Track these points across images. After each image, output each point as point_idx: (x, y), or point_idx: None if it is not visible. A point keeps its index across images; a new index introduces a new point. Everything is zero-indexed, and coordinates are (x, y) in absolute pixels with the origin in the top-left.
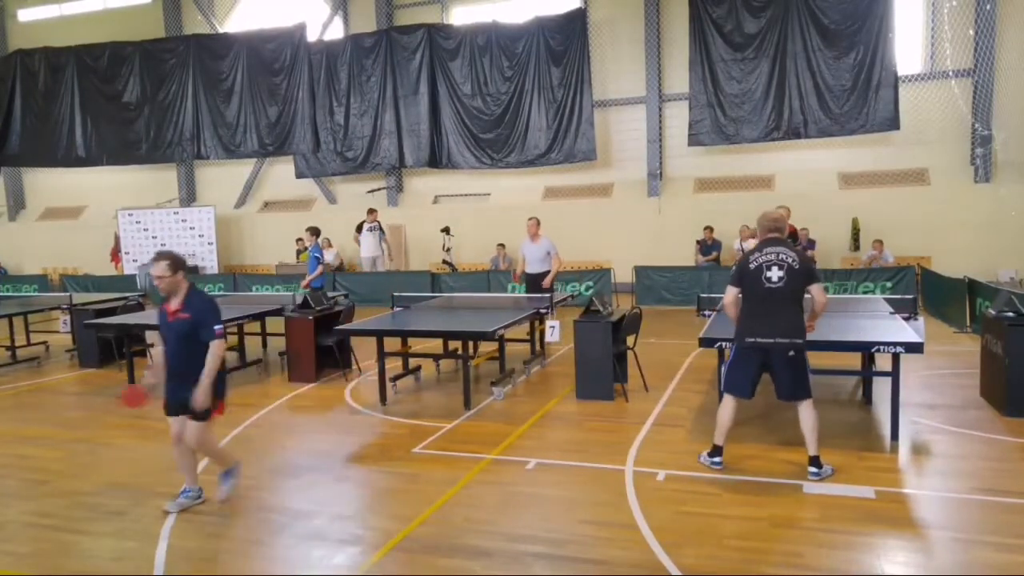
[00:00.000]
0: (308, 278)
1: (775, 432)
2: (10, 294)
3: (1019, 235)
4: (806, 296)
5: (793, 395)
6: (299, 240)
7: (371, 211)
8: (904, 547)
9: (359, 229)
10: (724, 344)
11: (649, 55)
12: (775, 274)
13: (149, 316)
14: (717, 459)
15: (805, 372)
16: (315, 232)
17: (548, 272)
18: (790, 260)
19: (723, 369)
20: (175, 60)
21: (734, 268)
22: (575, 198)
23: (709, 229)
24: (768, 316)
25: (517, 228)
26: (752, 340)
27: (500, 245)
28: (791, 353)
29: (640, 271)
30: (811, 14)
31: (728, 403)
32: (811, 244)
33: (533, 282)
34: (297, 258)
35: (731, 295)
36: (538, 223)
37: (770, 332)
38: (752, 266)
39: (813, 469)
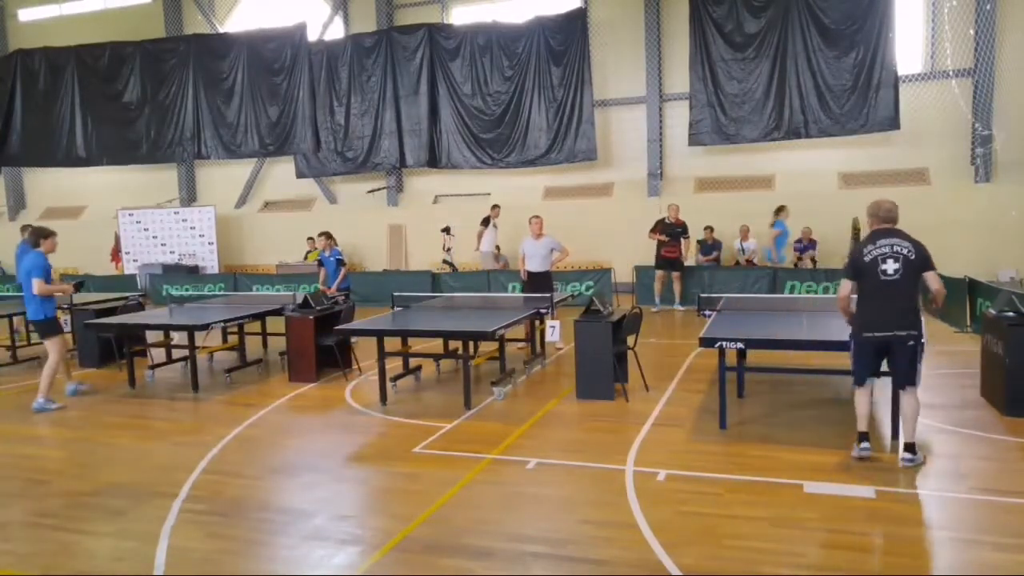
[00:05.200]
0: (335, 283)
1: (776, 432)
2: (10, 294)
3: (1019, 235)
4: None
5: (907, 382)
6: (310, 239)
7: (495, 207)
8: (904, 547)
9: (485, 223)
10: (724, 344)
11: (649, 55)
12: (891, 266)
13: (149, 316)
14: (864, 445)
15: (919, 360)
16: (330, 236)
17: (548, 272)
18: (905, 251)
19: (852, 362)
20: (175, 60)
21: (847, 261)
22: (575, 198)
23: (709, 229)
24: (886, 309)
25: (517, 228)
26: (870, 335)
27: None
28: (911, 343)
29: (640, 271)
30: (811, 14)
31: (862, 394)
32: (812, 244)
33: (532, 280)
34: (305, 258)
35: (846, 289)
36: (541, 221)
37: (889, 325)
38: (867, 259)
39: (908, 455)
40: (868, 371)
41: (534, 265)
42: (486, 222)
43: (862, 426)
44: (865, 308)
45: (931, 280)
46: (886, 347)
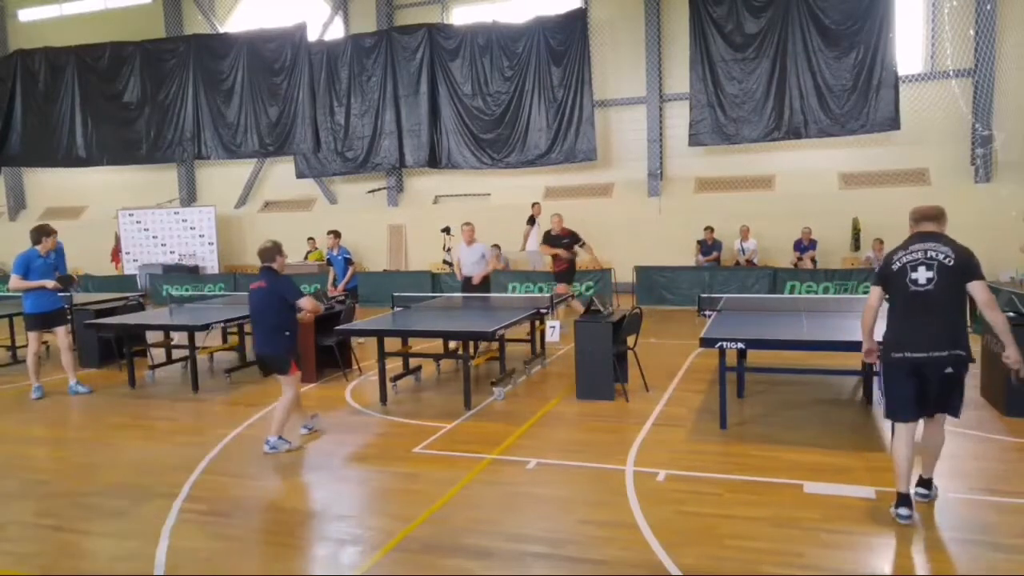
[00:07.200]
0: (343, 282)
1: (776, 432)
2: (10, 294)
3: (1019, 235)
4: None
5: (940, 409)
6: (310, 239)
7: (535, 204)
8: (904, 547)
9: (531, 223)
10: (725, 344)
11: (649, 55)
12: (922, 275)
13: (150, 316)
14: (903, 511)
15: (961, 392)
16: (338, 235)
17: (485, 276)
18: (941, 256)
19: (878, 392)
20: (175, 60)
21: (878, 266)
22: (575, 198)
23: (710, 229)
24: (918, 325)
25: (517, 228)
26: (900, 355)
27: (495, 246)
28: (949, 370)
29: (640, 271)
30: (811, 14)
31: (900, 435)
32: (812, 244)
33: (469, 284)
34: (305, 258)
35: (874, 296)
36: (473, 229)
37: (921, 345)
38: (895, 267)
39: (922, 490)
40: (904, 401)
41: (469, 270)
42: (531, 221)
43: (901, 485)
44: (895, 324)
45: (976, 291)
46: (920, 371)
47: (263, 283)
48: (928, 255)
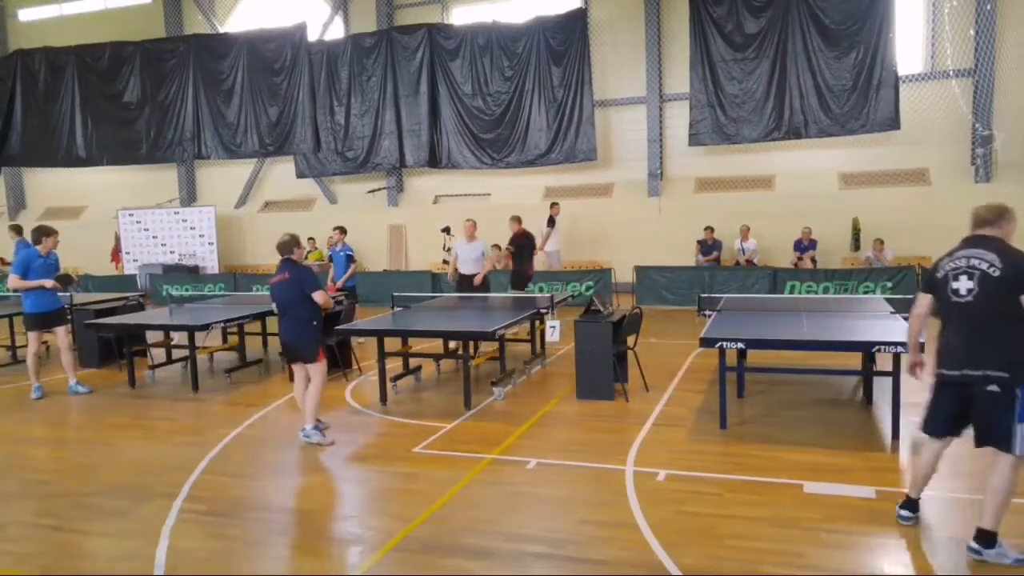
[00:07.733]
0: (342, 279)
1: (776, 432)
2: (10, 294)
3: (1019, 236)
4: None
5: (988, 441)
6: (311, 239)
7: (554, 204)
8: (904, 547)
9: (551, 223)
10: (724, 344)
11: (650, 55)
12: (963, 285)
13: (149, 316)
14: (905, 512)
15: (1008, 417)
16: (344, 231)
17: (483, 274)
18: (985, 266)
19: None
20: (175, 60)
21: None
22: (575, 198)
23: (710, 229)
24: (956, 340)
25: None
26: (942, 371)
27: (495, 246)
28: (990, 388)
29: (640, 271)
30: (811, 14)
31: (927, 446)
32: (812, 244)
33: (466, 282)
34: (305, 258)
35: (921, 304)
36: (475, 224)
37: (959, 362)
38: (940, 274)
39: (975, 545)
40: (934, 416)
41: (467, 268)
42: (551, 223)
43: (911, 490)
44: (941, 338)
45: None
46: (962, 390)
47: (286, 275)
48: (971, 263)
